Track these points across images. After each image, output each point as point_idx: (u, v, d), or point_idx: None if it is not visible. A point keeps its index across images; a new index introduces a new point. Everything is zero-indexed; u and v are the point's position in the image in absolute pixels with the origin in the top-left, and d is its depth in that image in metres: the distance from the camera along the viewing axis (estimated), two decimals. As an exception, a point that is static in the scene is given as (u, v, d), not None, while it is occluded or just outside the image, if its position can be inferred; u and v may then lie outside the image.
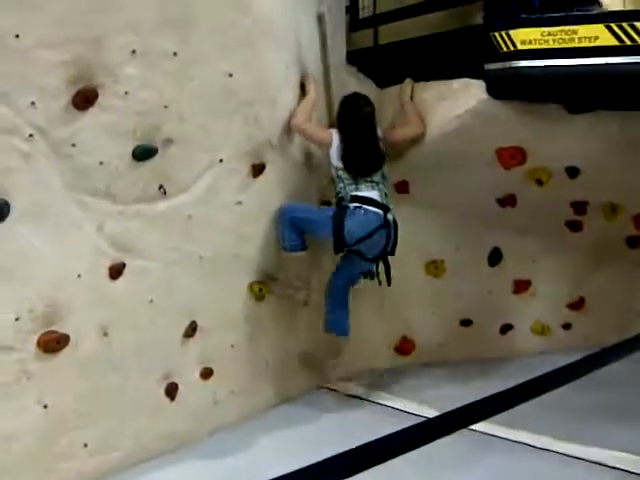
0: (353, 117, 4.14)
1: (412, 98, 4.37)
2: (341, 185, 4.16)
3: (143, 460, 3.55)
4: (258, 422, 4.13)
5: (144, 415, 3.61)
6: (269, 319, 4.30)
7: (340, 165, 4.13)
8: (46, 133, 2.96)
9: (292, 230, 4.13)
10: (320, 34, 4.35)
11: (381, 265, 4.31)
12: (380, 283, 4.33)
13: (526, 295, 5.34)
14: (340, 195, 4.17)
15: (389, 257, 4.26)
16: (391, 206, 4.16)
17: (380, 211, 4.07)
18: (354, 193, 4.09)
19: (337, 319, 4.38)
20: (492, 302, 5.20)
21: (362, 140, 4.12)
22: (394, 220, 4.16)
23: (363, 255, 4.15)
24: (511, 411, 2.28)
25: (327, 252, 4.39)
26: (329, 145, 4.15)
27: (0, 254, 2.93)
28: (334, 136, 4.16)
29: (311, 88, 4.13)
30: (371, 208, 4.06)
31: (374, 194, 4.09)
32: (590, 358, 2.74)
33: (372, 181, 4.11)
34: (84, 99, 3.02)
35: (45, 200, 3.05)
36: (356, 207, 4.05)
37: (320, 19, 4.29)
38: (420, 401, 4.40)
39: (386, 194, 4.16)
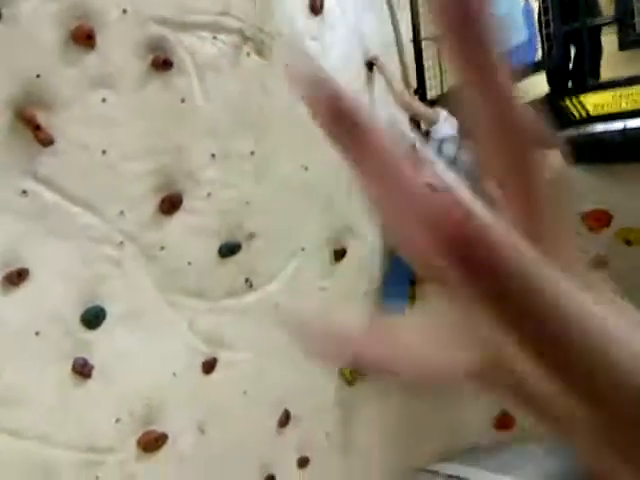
0: None
1: None
2: None
3: None
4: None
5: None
6: (360, 402, 4.26)
7: (443, 134, 4.10)
8: (136, 239, 3.12)
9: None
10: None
11: None
12: None
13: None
14: None
15: None
16: None
17: None
18: None
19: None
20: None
21: None
22: None
23: None
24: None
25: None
26: (434, 121, 4.17)
27: (99, 358, 3.05)
28: (441, 112, 4.19)
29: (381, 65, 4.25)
30: None
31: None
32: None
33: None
34: (170, 205, 3.17)
35: (138, 303, 3.18)
36: None
37: None
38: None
39: None
